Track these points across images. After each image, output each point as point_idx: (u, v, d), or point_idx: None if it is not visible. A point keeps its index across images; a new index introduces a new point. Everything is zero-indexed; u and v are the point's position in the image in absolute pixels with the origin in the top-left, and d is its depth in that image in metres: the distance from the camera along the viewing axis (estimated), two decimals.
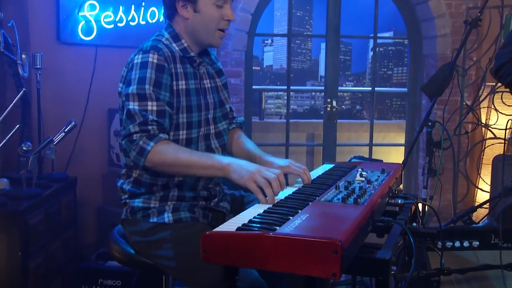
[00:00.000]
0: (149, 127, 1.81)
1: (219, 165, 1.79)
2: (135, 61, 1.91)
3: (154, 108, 1.85)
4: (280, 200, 1.65)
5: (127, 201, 2.02)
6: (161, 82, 1.88)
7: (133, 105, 1.84)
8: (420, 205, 3.10)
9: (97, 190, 4.11)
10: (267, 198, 1.68)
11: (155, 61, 1.88)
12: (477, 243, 2.63)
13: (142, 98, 1.85)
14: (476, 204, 4.20)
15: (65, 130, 3.41)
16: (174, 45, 2.00)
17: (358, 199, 1.56)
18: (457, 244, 2.63)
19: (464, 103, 4.01)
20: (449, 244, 2.63)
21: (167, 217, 1.94)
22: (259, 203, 1.67)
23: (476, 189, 4.50)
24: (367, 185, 1.80)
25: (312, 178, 1.97)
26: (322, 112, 4.96)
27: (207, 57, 2.13)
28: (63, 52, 3.91)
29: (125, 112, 1.87)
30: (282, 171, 1.87)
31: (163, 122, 1.85)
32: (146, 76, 1.86)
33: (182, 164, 1.81)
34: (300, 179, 1.96)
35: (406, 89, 5.04)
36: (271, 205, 1.58)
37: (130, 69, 1.91)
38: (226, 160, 1.81)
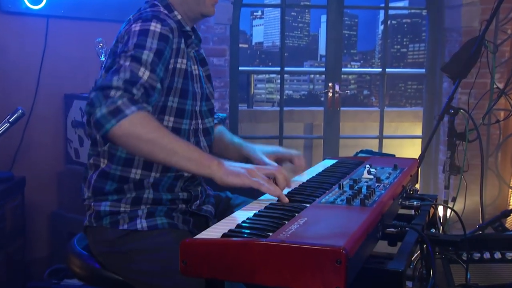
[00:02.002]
0: (135, 90, 1.76)
1: (208, 162, 1.76)
2: (132, 29, 1.89)
3: (146, 77, 1.80)
4: (274, 202, 1.68)
5: (92, 203, 2.03)
6: (162, 53, 1.87)
7: (124, 62, 1.80)
8: (440, 208, 3.14)
9: (50, 193, 4.11)
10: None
11: (158, 30, 1.88)
12: (511, 254, 2.65)
13: (136, 60, 1.81)
14: (510, 207, 4.25)
15: (10, 120, 3.41)
16: (170, 16, 2.03)
17: (366, 201, 1.59)
18: (486, 255, 2.65)
19: (495, 86, 4.04)
20: (476, 255, 2.65)
21: (140, 223, 1.95)
22: (248, 205, 1.70)
23: (510, 189, 4.55)
24: (376, 184, 1.84)
25: (311, 176, 2.01)
26: (322, 99, 4.98)
27: (196, 37, 2.16)
28: (4, 23, 3.89)
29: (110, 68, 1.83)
30: (273, 156, 2.03)
31: (152, 94, 1.82)
32: (146, 44, 1.84)
33: (163, 147, 1.74)
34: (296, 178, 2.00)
35: (423, 70, 5.07)
36: (262, 208, 1.61)
37: (125, 39, 1.89)
38: (215, 158, 1.79)
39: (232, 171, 1.74)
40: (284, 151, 2.13)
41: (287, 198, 1.71)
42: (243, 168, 1.76)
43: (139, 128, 1.71)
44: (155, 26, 1.88)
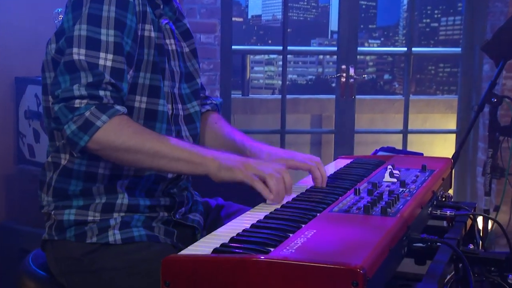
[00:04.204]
0: (101, 93, 1.82)
1: (200, 159, 1.85)
2: None
3: (109, 63, 1.85)
4: (276, 209, 1.69)
5: (52, 212, 2.03)
6: (124, 23, 1.90)
7: (78, 53, 1.84)
8: (480, 220, 3.15)
9: None
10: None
11: None
12: None
13: (93, 44, 1.85)
14: None
15: None
16: None
17: (388, 209, 1.60)
18: None
19: None
20: None
21: (113, 235, 1.95)
22: (244, 214, 1.72)
23: None
24: (401, 189, 1.85)
25: None
26: (333, 85, 5.00)
27: (170, 9, 2.17)
28: None
29: (62, 62, 1.86)
30: (285, 165, 1.97)
31: (121, 86, 1.87)
32: (101, 14, 1.87)
33: (146, 152, 1.83)
34: (303, 181, 2.01)
35: (459, 49, 5.09)
36: (262, 217, 1.62)
37: (74, 8, 1.91)
38: (208, 152, 1.87)
39: (225, 165, 1.83)
40: (297, 160, 2.07)
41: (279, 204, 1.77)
42: (238, 161, 1.84)
43: (114, 138, 1.80)
44: None
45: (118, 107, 1.83)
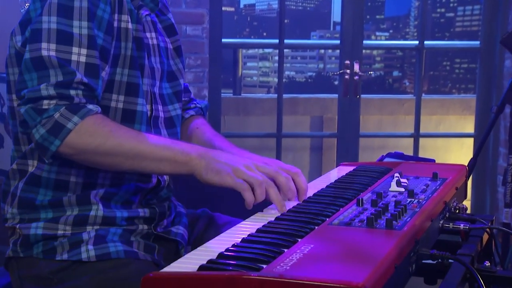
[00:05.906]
0: (72, 92, 1.83)
1: (185, 157, 1.86)
2: None
3: (83, 58, 1.87)
4: (270, 222, 1.71)
5: (17, 225, 2.03)
6: (94, 14, 1.91)
7: (48, 49, 1.85)
8: (499, 234, 3.16)
9: None
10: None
11: None
12: None
13: (64, 38, 1.86)
14: None
15: None
16: None
17: (393, 222, 1.61)
18: None
19: None
20: None
21: (86, 251, 1.95)
22: (234, 227, 1.73)
23: None
24: (409, 200, 1.86)
25: (319, 189, 2.03)
26: (336, 83, 5.01)
27: (153, 1, 2.18)
28: None
29: (28, 58, 1.86)
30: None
31: (95, 85, 1.88)
32: (73, 5, 1.89)
33: (126, 154, 1.85)
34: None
35: (477, 43, 5.10)
36: (254, 230, 1.63)
37: None
38: (193, 149, 1.88)
39: (213, 167, 1.83)
40: (271, 170, 2.01)
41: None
42: (228, 165, 1.84)
43: (90, 141, 1.82)
44: None
45: (90, 106, 1.84)
